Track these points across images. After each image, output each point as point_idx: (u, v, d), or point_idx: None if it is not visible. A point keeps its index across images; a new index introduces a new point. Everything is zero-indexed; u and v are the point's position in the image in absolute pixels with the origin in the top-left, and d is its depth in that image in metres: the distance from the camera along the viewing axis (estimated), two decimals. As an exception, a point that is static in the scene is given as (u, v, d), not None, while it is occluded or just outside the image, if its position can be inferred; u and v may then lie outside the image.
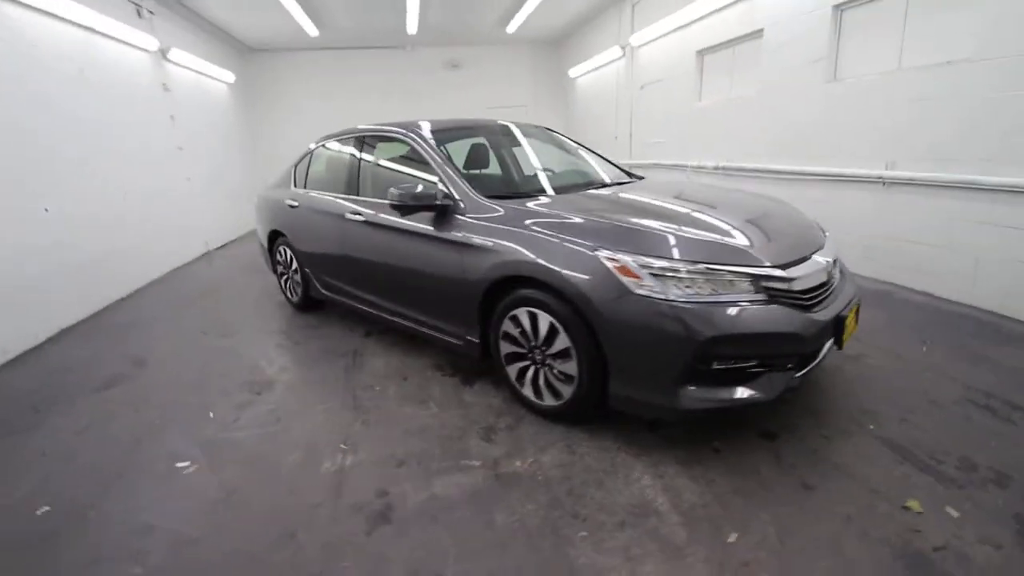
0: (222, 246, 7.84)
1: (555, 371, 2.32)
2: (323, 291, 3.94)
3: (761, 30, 5.16)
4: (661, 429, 2.34)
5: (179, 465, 2.28)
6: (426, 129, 3.16)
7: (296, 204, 4.00)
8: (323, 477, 2.15)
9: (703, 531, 1.74)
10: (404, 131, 3.19)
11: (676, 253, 2.02)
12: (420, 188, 2.70)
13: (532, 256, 2.25)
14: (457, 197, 2.71)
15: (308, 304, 4.27)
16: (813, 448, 2.16)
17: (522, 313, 2.37)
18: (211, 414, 2.73)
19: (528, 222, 2.41)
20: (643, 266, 1.99)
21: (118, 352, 3.72)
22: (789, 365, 2.05)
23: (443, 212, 2.73)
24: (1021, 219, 3.18)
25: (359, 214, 3.28)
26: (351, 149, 3.62)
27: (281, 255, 4.35)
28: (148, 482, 2.18)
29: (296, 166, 4.29)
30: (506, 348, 2.53)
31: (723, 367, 1.97)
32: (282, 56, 10.11)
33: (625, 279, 2.00)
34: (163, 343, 3.87)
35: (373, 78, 10.58)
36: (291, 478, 2.15)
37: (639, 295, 1.97)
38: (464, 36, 9.88)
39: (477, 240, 2.51)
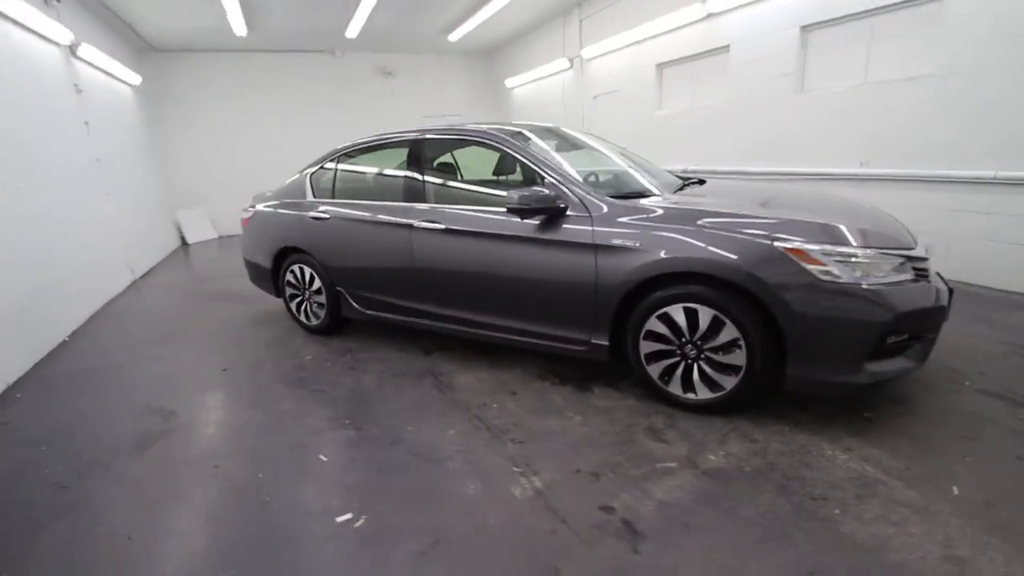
0: (148, 272, 6.71)
1: (716, 364, 2.36)
2: (364, 310, 3.57)
3: (727, 46, 5.71)
4: (810, 407, 2.47)
5: (342, 520, 1.93)
6: (508, 131, 3.04)
7: (325, 217, 3.59)
8: (525, 503, 1.96)
9: (929, 489, 1.89)
10: (489, 136, 3.03)
11: (849, 240, 2.18)
12: (540, 192, 2.61)
13: (701, 251, 2.28)
14: (576, 199, 2.65)
15: (333, 327, 3.85)
16: (940, 407, 2.45)
17: (675, 310, 2.38)
18: (323, 457, 2.35)
19: (670, 219, 2.44)
20: (826, 253, 2.12)
21: (124, 404, 3.04)
22: (930, 335, 2.31)
23: (558, 215, 2.65)
24: (985, 205, 3.88)
25: (436, 222, 3.04)
26: (407, 155, 3.34)
27: (296, 275, 3.86)
28: (328, 547, 1.81)
29: (312, 176, 3.85)
30: (649, 347, 2.51)
31: (893, 341, 2.17)
32: (191, 58, 8.98)
33: (809, 266, 2.11)
34: (176, 387, 3.23)
35: (298, 84, 9.84)
36: (492, 510, 1.94)
37: (825, 281, 2.09)
38: (400, 43, 9.58)
39: (618, 241, 2.48)
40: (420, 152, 3.29)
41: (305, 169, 3.97)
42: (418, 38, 9.30)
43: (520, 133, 3.09)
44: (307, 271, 3.78)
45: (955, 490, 1.89)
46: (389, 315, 3.47)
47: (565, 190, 2.68)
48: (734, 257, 2.21)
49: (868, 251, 2.17)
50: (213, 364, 3.55)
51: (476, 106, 11.29)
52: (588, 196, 2.65)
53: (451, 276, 3.07)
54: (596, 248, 2.53)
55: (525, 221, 2.72)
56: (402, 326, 3.46)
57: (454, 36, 8.98)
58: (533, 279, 2.75)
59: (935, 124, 4.10)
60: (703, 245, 2.29)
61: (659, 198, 2.75)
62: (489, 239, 2.87)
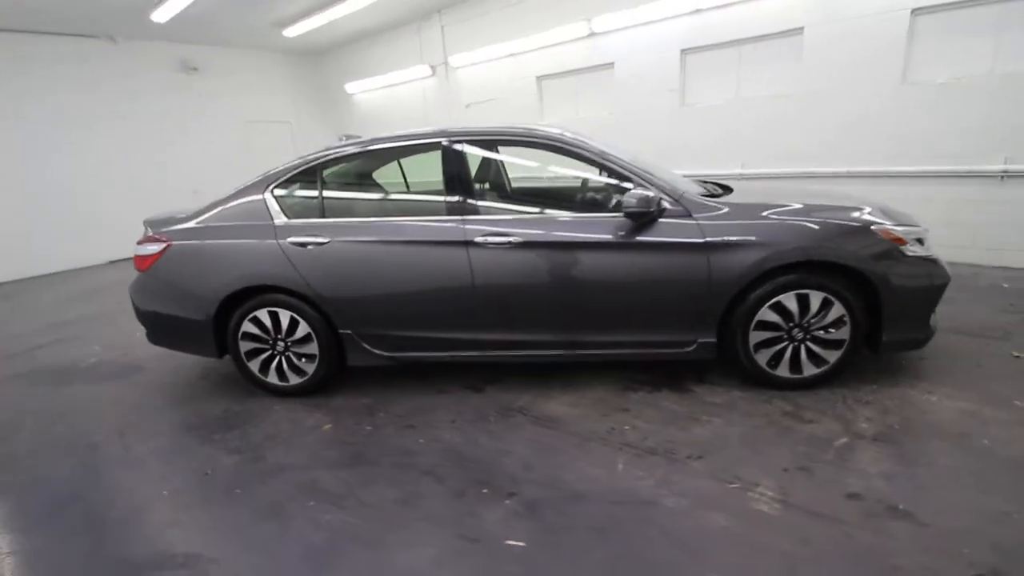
0: None
1: (822, 341, 2.60)
2: (389, 353, 2.88)
3: (612, 63, 6.26)
4: (859, 364, 2.87)
5: None
6: (578, 135, 2.85)
7: (321, 241, 2.77)
8: (786, 518, 1.87)
9: (1008, 408, 2.42)
10: (558, 139, 2.77)
11: (906, 220, 2.64)
12: (644, 194, 2.51)
13: (818, 240, 2.47)
14: (672, 199, 2.61)
15: (322, 383, 3.00)
16: (938, 347, 3.06)
17: (788, 298, 2.55)
18: (515, 542, 1.84)
19: (762, 213, 2.60)
20: (907, 233, 2.53)
21: (89, 562, 1.86)
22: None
23: (657, 217, 2.59)
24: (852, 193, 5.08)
25: (506, 235, 2.63)
26: (442, 160, 2.78)
27: (262, 324, 2.89)
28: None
29: (275, 193, 2.92)
30: (758, 337, 2.63)
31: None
32: None
33: (897, 244, 2.50)
34: (154, 518, 2.11)
35: (60, 78, 7.30)
36: (768, 535, 1.79)
37: (911, 256, 2.51)
38: (212, 34, 7.90)
39: (733, 237, 2.53)
40: (459, 158, 2.79)
41: (253, 186, 2.98)
42: (240, 30, 7.80)
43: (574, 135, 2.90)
44: (285, 315, 2.87)
45: (1018, 403, 2.46)
46: (430, 353, 2.87)
47: (660, 191, 2.62)
48: (846, 242, 2.48)
49: (914, 228, 2.66)
50: (178, 470, 2.43)
51: (306, 112, 10.03)
52: (685, 196, 2.64)
53: (531, 296, 2.70)
54: (708, 246, 2.54)
55: (619, 225, 2.58)
56: (411, 365, 2.90)
57: (291, 32, 7.80)
58: (636, 285, 2.62)
59: (795, 133, 5.22)
60: (812, 235, 2.50)
61: (733, 196, 2.87)
62: (579, 249, 2.63)
